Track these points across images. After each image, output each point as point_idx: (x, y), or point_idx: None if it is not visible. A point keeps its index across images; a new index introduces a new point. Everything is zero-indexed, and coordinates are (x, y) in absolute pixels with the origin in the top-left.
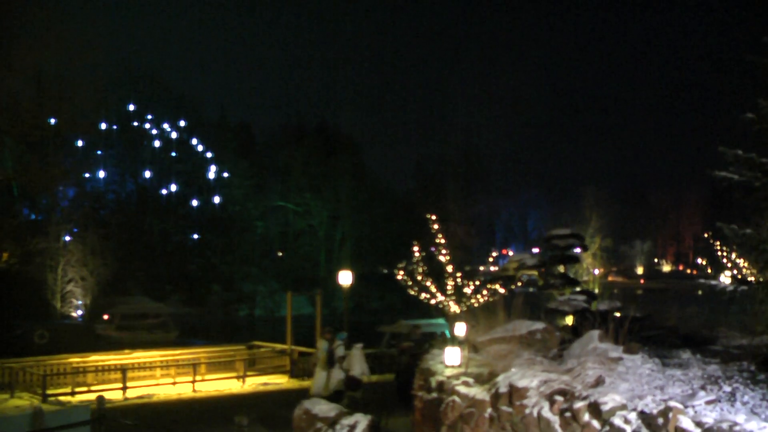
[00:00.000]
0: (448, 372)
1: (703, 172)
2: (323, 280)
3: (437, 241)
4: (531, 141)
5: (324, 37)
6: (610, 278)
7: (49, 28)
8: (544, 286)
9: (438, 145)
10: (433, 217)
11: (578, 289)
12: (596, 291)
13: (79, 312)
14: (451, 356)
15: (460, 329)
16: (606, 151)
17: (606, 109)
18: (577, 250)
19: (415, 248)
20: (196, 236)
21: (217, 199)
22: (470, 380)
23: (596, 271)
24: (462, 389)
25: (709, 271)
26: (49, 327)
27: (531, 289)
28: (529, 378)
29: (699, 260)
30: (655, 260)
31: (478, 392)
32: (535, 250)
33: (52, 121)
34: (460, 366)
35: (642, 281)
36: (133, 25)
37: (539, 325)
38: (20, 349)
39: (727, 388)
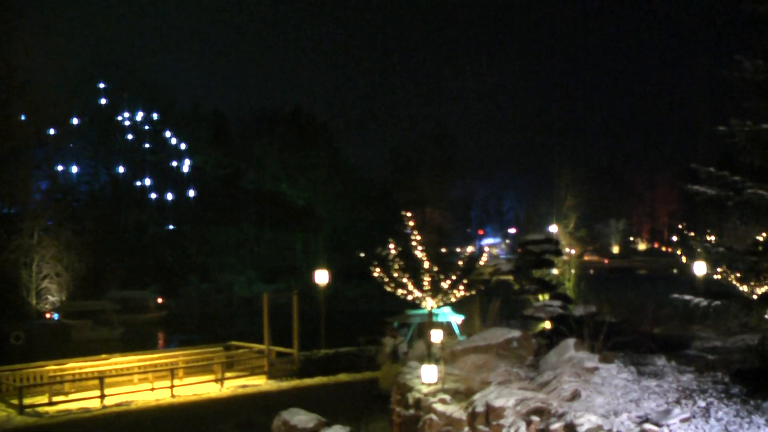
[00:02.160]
0: (425, 389)
1: (677, 151)
2: (300, 269)
3: (413, 236)
4: (506, 123)
5: (298, 24)
6: (585, 257)
7: (18, 31)
8: (520, 291)
9: (413, 131)
10: (409, 214)
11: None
12: (572, 271)
13: (48, 308)
14: (428, 374)
15: (437, 336)
16: (580, 131)
17: (580, 90)
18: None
19: (391, 245)
20: (171, 227)
21: (192, 190)
22: (447, 397)
23: (572, 251)
24: (439, 407)
25: (684, 260)
26: (24, 327)
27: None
28: (506, 397)
29: (674, 238)
30: (631, 239)
31: (455, 410)
32: (512, 231)
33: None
34: (436, 382)
35: (606, 261)
36: (105, 15)
37: (515, 333)
38: None
39: (702, 403)
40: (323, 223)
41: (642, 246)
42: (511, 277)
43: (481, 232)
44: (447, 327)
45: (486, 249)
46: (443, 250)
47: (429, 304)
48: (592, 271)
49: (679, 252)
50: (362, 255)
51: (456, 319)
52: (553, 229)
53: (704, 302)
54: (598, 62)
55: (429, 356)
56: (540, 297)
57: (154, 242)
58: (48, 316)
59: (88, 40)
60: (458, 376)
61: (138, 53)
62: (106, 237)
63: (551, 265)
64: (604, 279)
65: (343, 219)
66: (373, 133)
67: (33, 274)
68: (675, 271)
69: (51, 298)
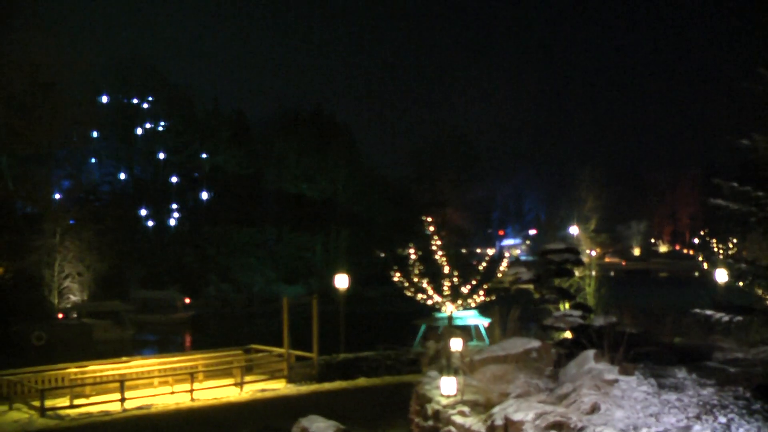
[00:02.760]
0: (444, 400)
1: (698, 152)
2: (319, 269)
3: (433, 241)
4: (527, 123)
5: (319, 24)
6: (606, 259)
7: (40, 38)
8: (540, 300)
9: (433, 131)
10: (429, 219)
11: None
12: (593, 273)
13: (69, 307)
14: (447, 385)
15: (456, 345)
16: (602, 131)
17: (601, 90)
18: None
19: (411, 249)
20: (191, 227)
21: (212, 190)
22: (466, 409)
23: (593, 253)
24: (458, 419)
25: (706, 266)
26: (46, 327)
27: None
28: (525, 410)
29: (695, 240)
30: (652, 240)
31: (474, 423)
32: (532, 232)
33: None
34: (455, 394)
35: (624, 263)
36: (127, 14)
37: (535, 343)
38: (18, 350)
39: (723, 419)
40: (343, 223)
41: (663, 248)
42: (531, 286)
43: (501, 233)
44: (475, 331)
45: (506, 252)
46: (463, 251)
47: (449, 308)
48: (612, 273)
49: (700, 258)
50: (382, 255)
51: (482, 323)
52: (574, 230)
53: (726, 317)
54: (620, 64)
55: (448, 367)
56: (560, 306)
57: (174, 242)
58: (60, 316)
59: (110, 41)
60: (477, 387)
61: (160, 54)
62: (127, 237)
63: (571, 274)
64: (625, 282)
65: (363, 219)
66: (393, 134)
67: (55, 273)
68: (696, 273)
69: (73, 298)
